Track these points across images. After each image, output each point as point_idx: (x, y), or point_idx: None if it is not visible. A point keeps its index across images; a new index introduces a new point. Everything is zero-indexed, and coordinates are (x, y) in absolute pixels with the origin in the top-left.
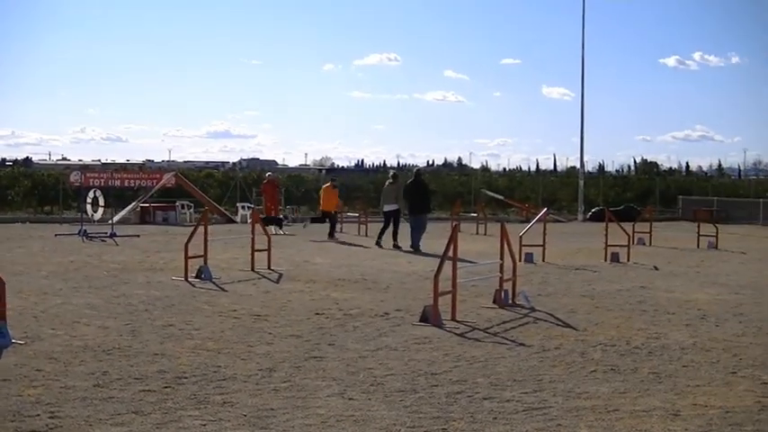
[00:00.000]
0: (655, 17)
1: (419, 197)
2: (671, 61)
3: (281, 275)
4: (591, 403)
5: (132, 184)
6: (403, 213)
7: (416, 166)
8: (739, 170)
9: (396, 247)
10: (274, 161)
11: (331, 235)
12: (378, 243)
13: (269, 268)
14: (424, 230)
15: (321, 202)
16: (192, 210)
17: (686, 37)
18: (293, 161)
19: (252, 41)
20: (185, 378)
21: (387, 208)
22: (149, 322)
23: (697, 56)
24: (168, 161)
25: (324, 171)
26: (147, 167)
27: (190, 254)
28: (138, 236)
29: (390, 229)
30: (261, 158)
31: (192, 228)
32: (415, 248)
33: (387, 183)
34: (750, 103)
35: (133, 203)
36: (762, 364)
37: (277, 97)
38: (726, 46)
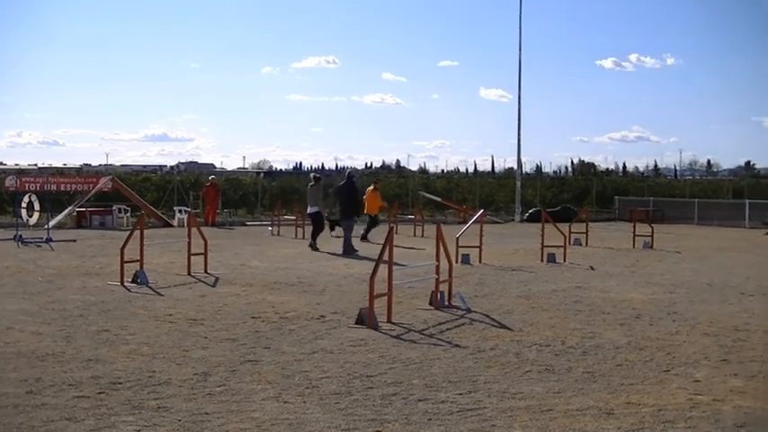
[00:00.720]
0: (591, 19)
1: (349, 199)
2: (608, 63)
3: (217, 279)
4: (525, 403)
5: (69, 189)
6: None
7: (351, 167)
8: (675, 170)
9: (312, 247)
10: (212, 164)
11: (364, 237)
12: (311, 246)
13: (205, 272)
14: (350, 231)
15: (366, 205)
16: (128, 214)
17: (623, 39)
18: (231, 164)
19: (190, 45)
20: (120, 383)
21: (309, 210)
22: (84, 328)
23: (633, 57)
24: (106, 165)
25: (262, 174)
26: (83, 171)
27: (126, 258)
28: (75, 240)
29: (330, 229)
30: (199, 162)
31: (129, 232)
32: (351, 247)
33: (309, 185)
34: (686, 104)
35: (69, 208)
36: (695, 362)
37: (215, 100)
38: (661, 47)
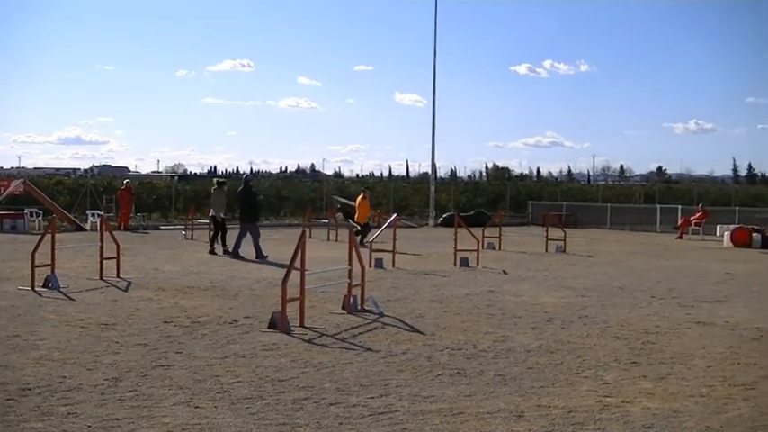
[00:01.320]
0: (506, 25)
1: (247, 205)
2: (522, 69)
3: (129, 284)
4: (437, 406)
5: None
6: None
7: (246, 173)
8: (588, 175)
9: (212, 252)
10: (126, 168)
11: (361, 242)
12: (223, 250)
13: (118, 276)
14: (257, 237)
15: (357, 212)
16: (40, 217)
17: (537, 45)
18: (146, 168)
19: (104, 46)
20: (29, 390)
21: (212, 213)
22: None
23: (547, 63)
24: (18, 168)
25: (176, 178)
26: None
27: (37, 262)
28: None
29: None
30: (113, 165)
31: (40, 236)
32: (234, 254)
33: (212, 189)
34: (599, 111)
35: None
36: (604, 364)
37: (129, 103)
38: (575, 54)
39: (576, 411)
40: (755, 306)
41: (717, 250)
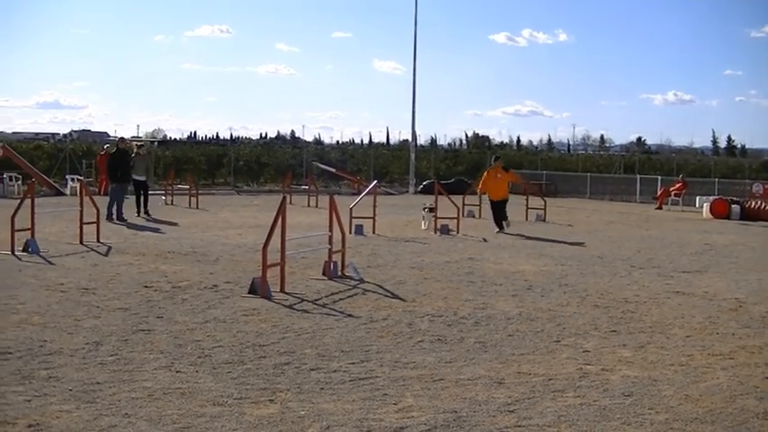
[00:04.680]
0: None
1: (121, 166)
2: (501, 37)
3: (109, 248)
4: (417, 373)
5: None
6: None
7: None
8: (568, 145)
9: (145, 213)
10: (106, 133)
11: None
12: (137, 213)
13: (98, 241)
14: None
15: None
16: (19, 182)
17: (515, 14)
18: (125, 133)
19: (81, 10)
20: (9, 353)
21: (137, 177)
22: None
23: (526, 33)
24: None
25: (156, 143)
26: None
27: (16, 227)
28: None
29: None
30: (92, 130)
31: (20, 200)
32: (118, 217)
33: (135, 153)
34: (578, 80)
35: None
36: (584, 332)
37: (108, 68)
38: (554, 23)
39: (556, 379)
40: (734, 277)
41: (696, 221)
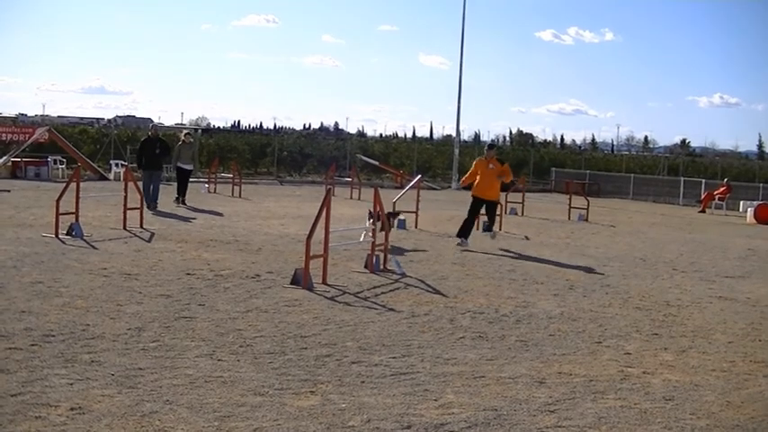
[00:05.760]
0: None
1: (154, 154)
2: (546, 35)
3: (152, 234)
4: (458, 369)
5: (4, 138)
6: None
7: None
8: (612, 145)
9: (182, 202)
10: (150, 119)
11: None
12: (176, 200)
13: (141, 227)
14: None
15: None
16: (64, 166)
17: (562, 11)
18: (169, 120)
19: None
20: (53, 336)
21: (183, 166)
22: (17, 279)
23: (572, 31)
24: (42, 116)
25: (200, 131)
26: (19, 121)
27: (61, 210)
28: (9, 191)
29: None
30: (137, 116)
31: (64, 184)
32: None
33: (181, 141)
34: (623, 80)
35: (4, 158)
36: (626, 334)
37: (154, 55)
38: (600, 22)
39: (598, 380)
40: None
41: (739, 226)
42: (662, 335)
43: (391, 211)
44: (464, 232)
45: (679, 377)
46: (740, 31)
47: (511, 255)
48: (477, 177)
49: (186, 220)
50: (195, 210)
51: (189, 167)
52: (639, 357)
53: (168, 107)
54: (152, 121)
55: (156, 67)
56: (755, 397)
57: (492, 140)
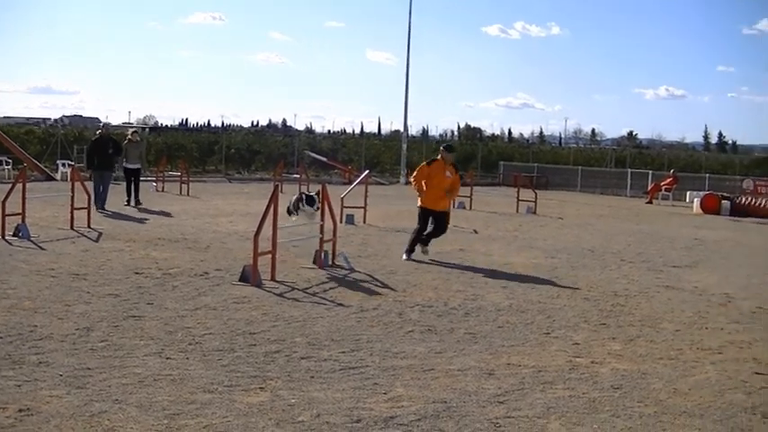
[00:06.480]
0: None
1: (107, 153)
2: (493, 30)
3: (100, 234)
4: (407, 362)
5: None
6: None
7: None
8: (560, 138)
9: (136, 203)
10: (97, 118)
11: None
12: (127, 203)
13: (89, 227)
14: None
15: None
16: (10, 166)
17: (508, 6)
18: (117, 119)
19: None
20: (0, 338)
21: (130, 165)
22: None
23: (519, 25)
24: None
25: (147, 129)
26: None
27: (7, 211)
28: None
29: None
30: (84, 116)
31: (11, 185)
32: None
33: (128, 140)
34: (570, 74)
35: None
36: (574, 325)
37: (101, 54)
38: (546, 16)
39: (546, 371)
40: (723, 272)
41: (686, 216)
42: (610, 325)
43: (305, 193)
44: (418, 243)
45: (627, 366)
46: (687, 23)
47: (459, 248)
48: (425, 183)
49: (134, 219)
50: (143, 209)
51: (136, 167)
52: (588, 347)
53: (115, 106)
54: (99, 121)
55: (103, 65)
56: (702, 384)
57: (447, 143)
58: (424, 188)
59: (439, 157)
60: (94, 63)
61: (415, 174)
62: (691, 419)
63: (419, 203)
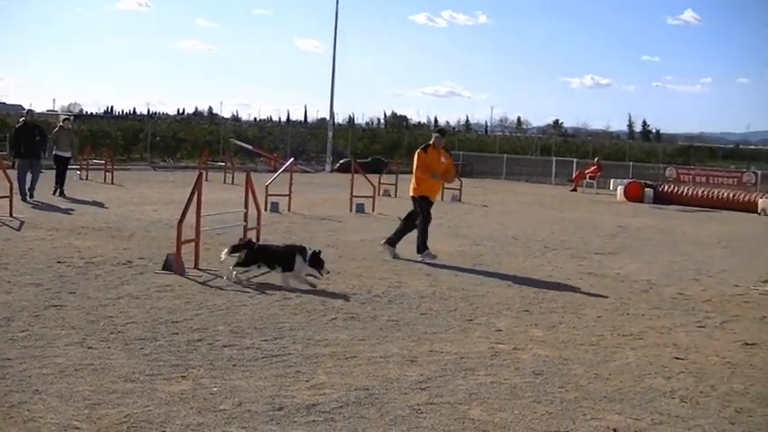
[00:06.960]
0: None
1: (34, 141)
2: (420, 18)
3: (22, 223)
4: (330, 350)
5: None
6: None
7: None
8: (486, 126)
9: (60, 194)
10: (20, 106)
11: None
12: (54, 191)
13: (10, 215)
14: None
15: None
16: None
17: None
18: (41, 106)
19: None
20: None
21: (62, 153)
22: None
23: (446, 14)
24: None
25: (72, 117)
26: None
27: None
28: None
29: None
30: (6, 103)
31: None
32: (22, 196)
33: (59, 127)
34: (497, 62)
35: None
36: (497, 312)
37: (24, 39)
38: (473, 5)
39: (468, 357)
40: (645, 259)
41: (610, 204)
42: (532, 311)
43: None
44: (425, 243)
45: (549, 352)
46: (612, 13)
47: (384, 236)
48: (417, 171)
49: (57, 208)
50: (67, 197)
51: (67, 155)
52: (510, 334)
53: (39, 93)
54: (23, 108)
55: (26, 51)
56: (623, 369)
57: (440, 128)
58: (425, 174)
59: (431, 142)
60: (17, 49)
61: (416, 164)
62: (611, 404)
63: (417, 194)
